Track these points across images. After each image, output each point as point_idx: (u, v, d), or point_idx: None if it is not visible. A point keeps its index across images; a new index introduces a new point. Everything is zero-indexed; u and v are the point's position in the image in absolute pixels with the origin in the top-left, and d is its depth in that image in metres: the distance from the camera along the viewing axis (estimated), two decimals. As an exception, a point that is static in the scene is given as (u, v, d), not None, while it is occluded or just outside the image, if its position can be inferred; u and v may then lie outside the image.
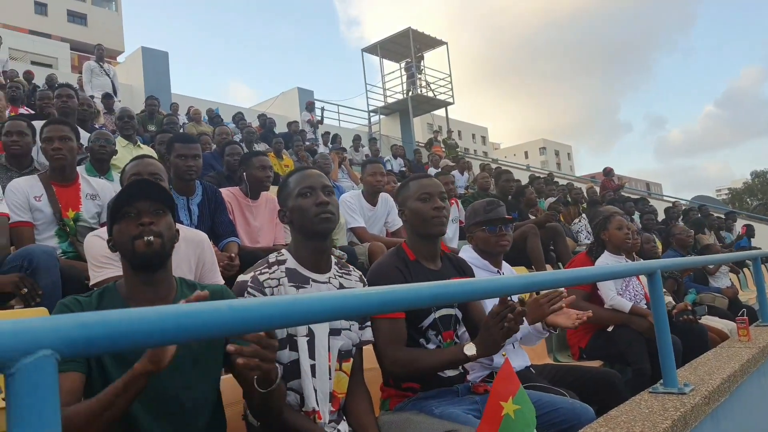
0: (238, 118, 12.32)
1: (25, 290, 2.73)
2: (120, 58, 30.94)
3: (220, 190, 3.87)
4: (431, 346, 2.18)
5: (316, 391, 1.87)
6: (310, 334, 1.90)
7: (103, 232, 2.57)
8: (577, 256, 4.19)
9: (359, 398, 2.04)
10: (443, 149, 16.59)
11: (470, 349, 1.96)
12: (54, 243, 3.28)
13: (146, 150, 5.60)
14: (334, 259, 2.08)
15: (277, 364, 1.85)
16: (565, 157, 76.94)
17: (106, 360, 1.53)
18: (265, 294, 1.87)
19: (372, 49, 20.14)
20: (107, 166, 4.36)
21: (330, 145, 12.93)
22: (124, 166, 2.70)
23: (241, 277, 1.93)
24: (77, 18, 40.00)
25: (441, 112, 21.68)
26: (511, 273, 2.96)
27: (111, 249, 1.68)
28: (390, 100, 20.51)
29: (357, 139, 14.52)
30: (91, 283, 2.53)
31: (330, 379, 1.93)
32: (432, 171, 11.54)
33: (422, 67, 20.15)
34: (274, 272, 1.92)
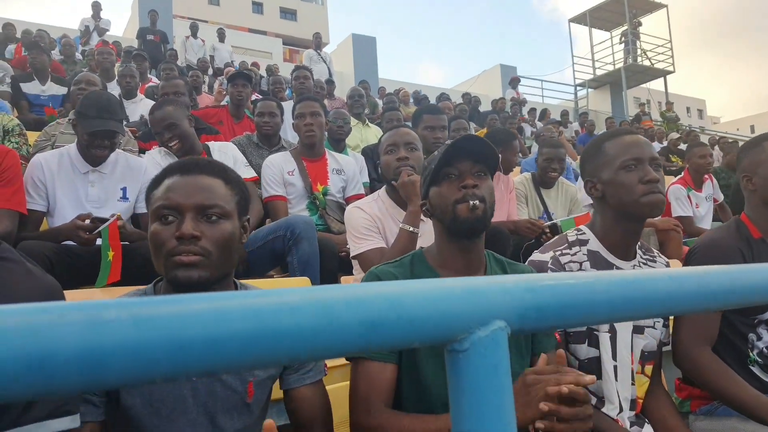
0: (444, 98, 12.28)
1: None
2: (326, 49, 32.83)
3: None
4: (760, 345, 1.79)
5: (619, 396, 1.62)
6: (612, 330, 1.65)
7: (365, 203, 2.55)
8: None
9: (660, 398, 1.75)
10: (655, 123, 15.06)
11: None
12: (306, 215, 3.40)
13: (374, 128, 5.71)
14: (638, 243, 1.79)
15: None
16: (802, 129, 66.20)
17: (420, 352, 1.41)
18: None
19: (580, 19, 18.96)
20: (343, 144, 4.48)
21: (538, 122, 12.38)
22: (380, 137, 2.65)
23: (537, 256, 1.72)
24: (288, 14, 43.16)
25: (656, 83, 19.79)
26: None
27: (424, 213, 1.58)
28: (599, 72, 19.17)
29: (565, 114, 13.74)
30: (352, 254, 2.52)
31: (632, 384, 1.66)
32: (657, 145, 10.46)
33: (638, 34, 18.49)
34: (575, 254, 1.69)
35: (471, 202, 1.43)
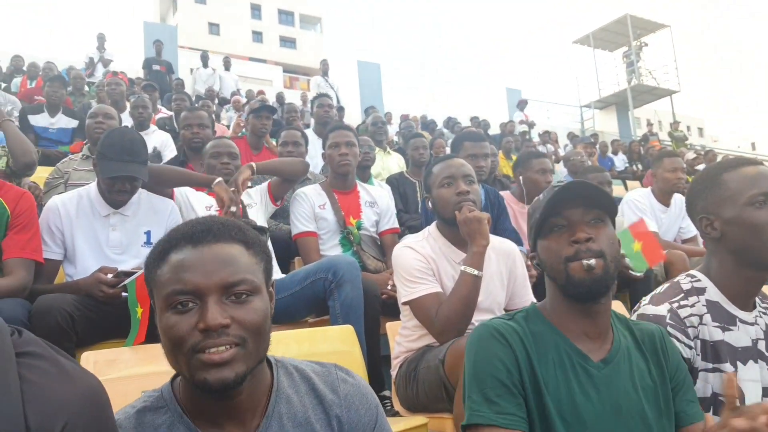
0: (453, 123, 12.13)
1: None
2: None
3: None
4: None
5: None
6: (741, 396, 1.41)
7: (414, 242, 2.30)
8: None
9: None
10: (662, 143, 14.86)
11: None
12: (338, 252, 3.16)
13: (395, 156, 5.50)
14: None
15: None
16: (803, 144, 65.99)
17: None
18: (687, 335, 1.42)
19: (583, 41, 18.93)
20: (368, 173, 4.26)
21: (548, 145, 12.16)
22: (429, 169, 2.41)
23: (651, 309, 1.48)
24: (288, 42, 43.50)
25: (659, 103, 19.69)
26: None
27: (534, 267, 1.35)
28: (604, 93, 19.09)
29: (573, 136, 13.58)
30: (404, 300, 2.24)
31: None
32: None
33: (641, 54, 18.48)
34: (693, 305, 1.46)
35: (585, 262, 1.21)
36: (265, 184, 3.26)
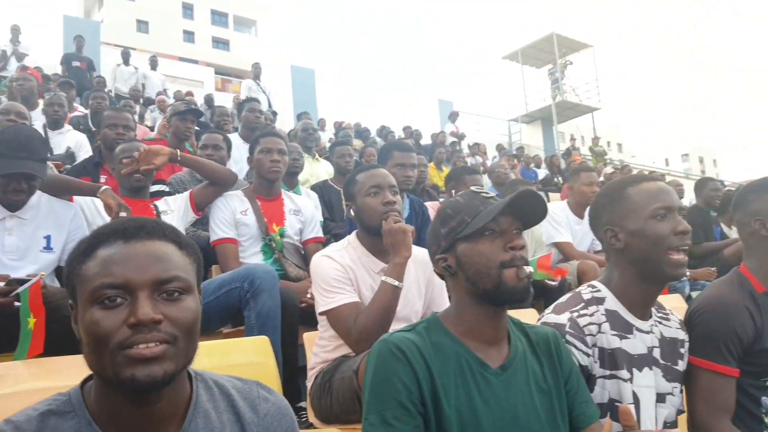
0: (386, 132, 12.19)
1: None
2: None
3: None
4: None
5: None
6: (636, 401, 1.48)
7: (333, 252, 2.27)
8: None
9: None
10: (582, 158, 15.51)
11: None
12: (259, 260, 3.09)
13: (324, 163, 5.46)
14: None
15: None
16: (710, 163, 70.57)
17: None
18: (586, 343, 1.48)
19: (512, 56, 19.54)
20: (296, 180, 4.21)
21: (477, 156, 12.44)
22: (353, 177, 2.38)
23: (552, 318, 1.53)
24: (221, 44, 42.66)
25: (583, 119, 20.55)
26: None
27: (441, 270, 1.35)
28: (530, 108, 19.76)
29: (501, 148, 13.92)
30: (322, 309, 2.20)
31: None
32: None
33: (566, 72, 19.26)
34: (593, 314, 1.52)
35: (526, 269, 1.24)
36: (187, 193, 3.15)
